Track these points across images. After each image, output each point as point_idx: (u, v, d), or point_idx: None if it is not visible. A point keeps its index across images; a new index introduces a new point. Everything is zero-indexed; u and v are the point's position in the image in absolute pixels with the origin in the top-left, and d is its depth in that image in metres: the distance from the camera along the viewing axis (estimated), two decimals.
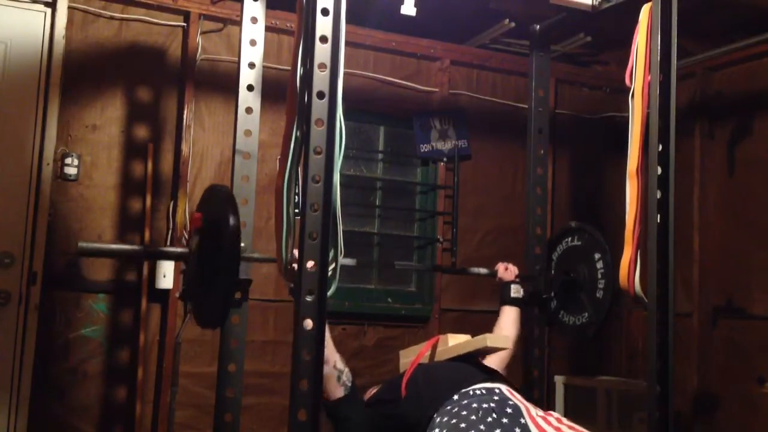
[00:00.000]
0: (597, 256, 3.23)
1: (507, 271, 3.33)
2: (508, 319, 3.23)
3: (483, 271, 3.41)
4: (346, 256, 2.44)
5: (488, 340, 2.92)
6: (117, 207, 3.61)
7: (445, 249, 4.24)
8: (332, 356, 2.67)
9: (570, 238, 3.42)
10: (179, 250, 2.74)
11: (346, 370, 2.71)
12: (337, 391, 2.67)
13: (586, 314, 3.26)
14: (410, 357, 3.06)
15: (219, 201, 2.50)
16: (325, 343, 2.60)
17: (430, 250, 4.27)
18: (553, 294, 3.41)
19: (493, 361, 3.00)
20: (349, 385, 2.70)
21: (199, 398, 3.60)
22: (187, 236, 3.64)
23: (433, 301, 4.20)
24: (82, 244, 2.54)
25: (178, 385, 3.60)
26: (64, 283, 3.49)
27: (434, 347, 3.01)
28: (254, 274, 3.08)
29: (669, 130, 2.58)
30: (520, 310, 3.26)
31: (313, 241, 2.11)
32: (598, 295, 3.21)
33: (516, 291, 3.28)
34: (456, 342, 2.99)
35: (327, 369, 2.62)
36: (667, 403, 2.46)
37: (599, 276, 3.20)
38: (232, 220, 2.35)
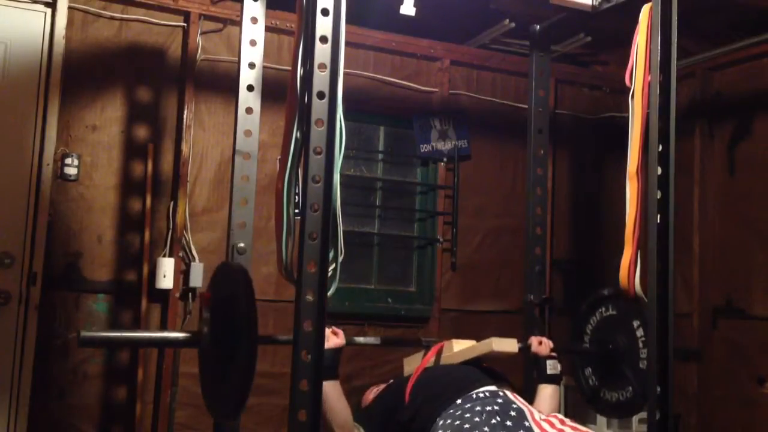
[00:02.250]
0: (636, 323, 2.98)
1: (541, 345, 3.04)
2: (545, 397, 2.96)
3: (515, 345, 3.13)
4: (345, 261, 2.41)
5: (494, 344, 2.90)
6: (117, 207, 3.61)
7: (445, 249, 4.24)
8: (350, 420, 2.67)
9: (604, 308, 3.18)
10: (188, 335, 2.54)
11: (356, 424, 2.72)
12: None
13: (630, 388, 3.00)
14: (414, 364, 3.05)
15: (233, 284, 2.32)
16: (345, 409, 2.62)
17: (430, 251, 4.27)
18: (591, 370, 3.21)
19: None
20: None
21: (199, 398, 3.55)
22: (188, 240, 3.64)
23: (433, 302, 4.20)
24: (84, 335, 2.33)
25: (178, 385, 3.60)
26: (64, 283, 3.49)
27: (439, 353, 3.00)
28: (254, 274, 3.08)
29: (669, 130, 2.58)
30: (557, 387, 3.00)
31: (313, 241, 2.11)
32: (641, 365, 2.95)
33: (553, 367, 3.00)
34: (461, 347, 2.97)
35: None
36: (667, 403, 2.47)
37: (641, 345, 2.96)
38: (248, 308, 2.16)
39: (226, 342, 2.26)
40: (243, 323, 2.16)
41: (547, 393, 2.95)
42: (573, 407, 4.09)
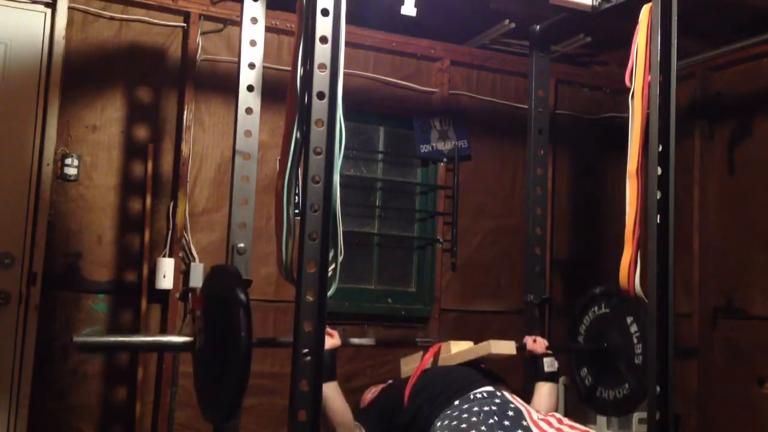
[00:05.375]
0: (629, 319, 3.00)
1: (536, 343, 3.08)
2: (543, 395, 2.97)
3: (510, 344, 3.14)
4: (345, 261, 2.41)
5: (492, 346, 2.91)
6: (117, 207, 3.61)
7: (445, 249, 4.24)
8: (350, 419, 2.68)
9: (596, 307, 3.20)
10: (183, 340, 2.52)
11: (357, 424, 2.73)
12: None
13: (627, 385, 3.00)
14: (411, 365, 3.05)
15: (227, 284, 2.34)
16: (345, 410, 2.63)
17: (430, 251, 4.27)
18: (586, 370, 3.26)
19: None
20: None
21: None
22: (188, 241, 3.64)
23: (433, 302, 4.20)
24: (77, 339, 2.38)
25: (178, 385, 3.60)
26: (64, 283, 3.49)
27: (437, 354, 3.00)
28: (254, 274, 3.08)
29: (669, 131, 2.58)
30: (555, 384, 3.03)
31: (313, 241, 2.11)
32: (637, 361, 2.96)
33: (550, 365, 3.02)
34: (459, 349, 2.98)
35: None
36: (667, 403, 2.47)
37: (635, 340, 2.96)
38: (243, 314, 2.17)
39: (220, 346, 2.25)
40: (237, 329, 2.15)
41: (545, 391, 2.97)
42: (573, 407, 4.09)
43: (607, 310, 3.16)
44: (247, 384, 2.18)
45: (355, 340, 2.98)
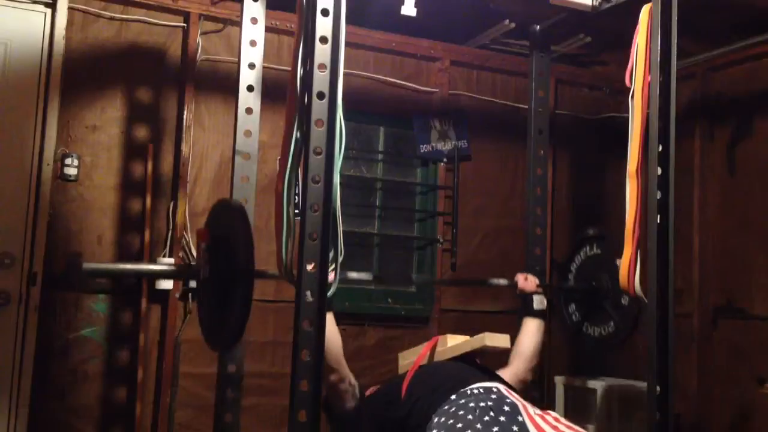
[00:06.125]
0: (619, 261, 3.01)
1: (527, 281, 3.23)
2: (531, 331, 3.13)
3: (502, 282, 3.34)
4: (345, 261, 2.42)
5: (487, 339, 2.93)
6: (117, 207, 3.61)
7: (446, 249, 4.24)
8: (347, 373, 2.71)
9: (588, 247, 3.30)
10: (186, 267, 2.63)
11: (356, 383, 2.76)
12: (350, 404, 2.73)
13: (612, 323, 3.14)
14: (409, 359, 3.06)
15: (231, 217, 2.44)
16: (341, 360, 2.65)
17: (430, 251, 4.27)
18: (574, 306, 3.33)
19: (507, 375, 2.95)
20: (359, 396, 2.75)
21: (199, 399, 3.60)
22: (188, 241, 3.64)
23: (433, 302, 4.20)
24: (87, 266, 2.49)
25: (178, 386, 3.60)
26: (64, 283, 3.49)
27: (433, 348, 3.02)
28: None
29: (669, 131, 2.58)
30: (542, 321, 3.16)
31: (313, 241, 2.11)
32: (623, 301, 3.09)
33: (539, 302, 3.17)
34: (455, 342, 3.00)
35: (343, 386, 2.69)
36: (667, 403, 2.47)
37: None
38: (246, 239, 2.28)
39: (223, 276, 2.34)
40: (243, 261, 2.26)
41: (532, 327, 3.14)
42: (572, 407, 4.10)
43: (599, 251, 3.28)
44: (250, 308, 2.27)
45: (353, 274, 3.04)
